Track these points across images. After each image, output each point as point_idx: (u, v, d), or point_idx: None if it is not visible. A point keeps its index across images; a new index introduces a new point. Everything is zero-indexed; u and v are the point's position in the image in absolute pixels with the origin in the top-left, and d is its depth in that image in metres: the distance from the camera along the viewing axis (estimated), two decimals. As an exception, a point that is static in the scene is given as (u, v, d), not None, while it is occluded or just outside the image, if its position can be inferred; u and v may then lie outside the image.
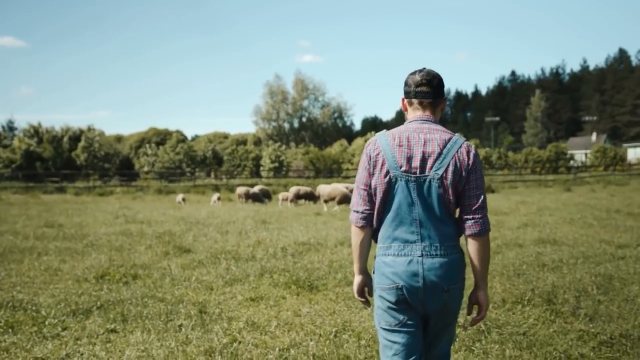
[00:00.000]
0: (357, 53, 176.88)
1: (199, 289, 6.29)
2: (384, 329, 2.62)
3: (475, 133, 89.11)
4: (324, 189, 20.50)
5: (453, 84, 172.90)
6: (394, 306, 2.55)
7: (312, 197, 23.65)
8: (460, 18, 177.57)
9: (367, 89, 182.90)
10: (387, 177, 2.55)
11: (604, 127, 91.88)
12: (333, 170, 45.85)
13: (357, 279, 2.72)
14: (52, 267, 7.62)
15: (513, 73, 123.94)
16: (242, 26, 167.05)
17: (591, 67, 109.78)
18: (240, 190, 24.58)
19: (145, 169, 51.39)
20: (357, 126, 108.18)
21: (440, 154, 2.53)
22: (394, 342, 2.58)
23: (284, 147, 56.93)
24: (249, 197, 24.21)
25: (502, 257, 8.15)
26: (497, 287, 6.22)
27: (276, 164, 47.18)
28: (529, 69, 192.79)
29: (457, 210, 2.63)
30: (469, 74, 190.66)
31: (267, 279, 6.75)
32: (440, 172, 2.51)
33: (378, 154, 2.58)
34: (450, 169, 2.51)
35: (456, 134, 2.62)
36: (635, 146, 65.82)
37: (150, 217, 15.97)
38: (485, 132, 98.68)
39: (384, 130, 2.72)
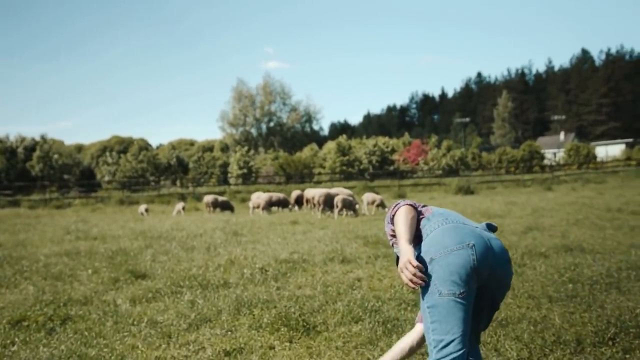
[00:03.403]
0: (322, 58, 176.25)
1: (151, 338, 4.52)
2: (450, 298, 2.42)
3: (443, 135, 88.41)
4: (314, 192, 18.68)
5: (420, 87, 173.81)
6: (463, 269, 2.42)
7: (285, 203, 21.95)
8: (425, 20, 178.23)
9: (334, 94, 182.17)
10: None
11: (570, 127, 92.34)
12: (304, 175, 44.13)
13: (409, 248, 2.50)
14: (-42, 307, 5.77)
15: (479, 74, 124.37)
16: (207, 31, 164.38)
17: (556, 68, 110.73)
18: (208, 198, 22.70)
19: (107, 178, 48.88)
20: (326, 131, 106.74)
21: None
22: (458, 310, 2.41)
23: (252, 152, 55.10)
24: (217, 205, 22.38)
25: (535, 273, 6.60)
26: (556, 318, 4.65)
27: (245, 170, 45.27)
28: (495, 70, 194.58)
29: None
30: (435, 76, 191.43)
31: (245, 317, 5.02)
32: None
33: None
34: None
35: None
36: (606, 144, 65.93)
37: (106, 231, 14.10)
38: (453, 134, 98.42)
39: None
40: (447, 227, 2.56)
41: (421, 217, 2.73)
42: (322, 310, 5.20)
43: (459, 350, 2.41)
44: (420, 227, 2.69)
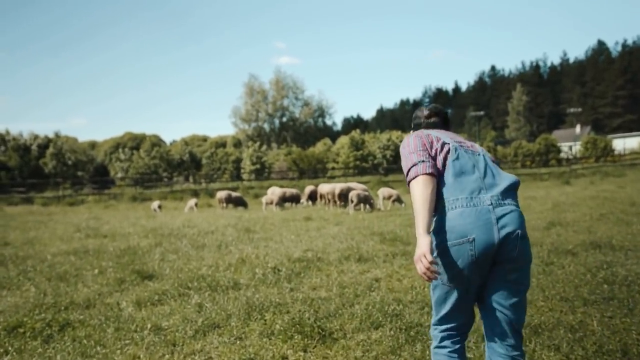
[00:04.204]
0: (334, 53, 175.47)
1: (154, 347, 4.19)
2: (443, 284, 2.55)
3: (457, 129, 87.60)
4: (330, 187, 18.43)
5: (433, 81, 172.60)
6: (457, 264, 2.43)
7: (298, 199, 21.63)
8: (437, 14, 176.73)
9: (346, 89, 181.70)
10: (447, 146, 2.65)
11: (586, 119, 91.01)
12: (318, 170, 43.77)
13: (426, 240, 2.36)
14: (-46, 311, 5.47)
15: (493, 68, 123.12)
16: (218, 29, 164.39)
17: (571, 60, 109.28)
18: (221, 194, 22.41)
19: (119, 175, 48.83)
20: (339, 126, 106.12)
21: (473, 143, 2.81)
22: (449, 296, 2.55)
23: (265, 147, 54.83)
24: (230, 201, 22.08)
25: (564, 272, 6.19)
26: (594, 324, 4.25)
27: (257, 166, 45.01)
28: (509, 64, 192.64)
29: None
30: (448, 70, 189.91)
31: (256, 323, 4.67)
32: (485, 151, 2.73)
33: (429, 134, 2.72)
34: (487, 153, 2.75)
35: None
36: (623, 137, 64.82)
37: (117, 229, 13.84)
38: (467, 128, 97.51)
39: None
40: (455, 213, 2.44)
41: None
42: (339, 314, 4.83)
43: (448, 329, 2.64)
44: (440, 192, 2.57)
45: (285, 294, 5.69)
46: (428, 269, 2.30)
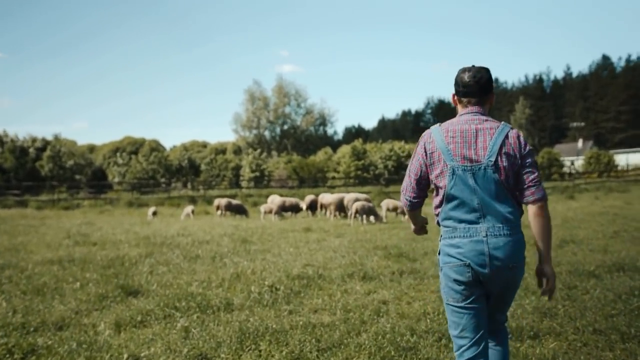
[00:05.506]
0: (337, 62, 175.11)
1: (129, 383, 3.60)
2: (451, 305, 2.72)
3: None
4: (332, 198, 18.05)
5: (435, 92, 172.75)
6: (460, 284, 2.65)
7: (297, 209, 21.02)
8: (440, 26, 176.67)
9: (349, 99, 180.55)
10: (446, 169, 2.67)
11: (587, 134, 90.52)
12: (318, 179, 43.18)
13: (414, 227, 3.12)
14: None
15: (496, 80, 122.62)
16: (222, 35, 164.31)
17: (575, 74, 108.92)
18: (221, 201, 21.76)
19: (117, 179, 48.22)
20: (340, 135, 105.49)
21: (490, 142, 2.65)
22: (461, 318, 2.69)
23: (265, 155, 54.28)
24: (230, 209, 21.44)
25: (591, 298, 5.61)
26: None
27: (257, 174, 44.47)
28: (512, 77, 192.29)
29: (517, 189, 2.71)
30: (450, 82, 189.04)
31: (250, 355, 4.03)
32: (492, 158, 2.62)
33: (434, 151, 2.73)
34: (503, 154, 2.62)
35: (502, 123, 2.73)
36: (626, 152, 64.31)
37: (109, 236, 13.26)
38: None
39: (438, 124, 2.83)
40: (453, 242, 2.67)
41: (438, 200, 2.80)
42: (344, 344, 4.23)
43: (463, 347, 2.70)
44: (438, 217, 2.80)
45: (283, 317, 5.09)
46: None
